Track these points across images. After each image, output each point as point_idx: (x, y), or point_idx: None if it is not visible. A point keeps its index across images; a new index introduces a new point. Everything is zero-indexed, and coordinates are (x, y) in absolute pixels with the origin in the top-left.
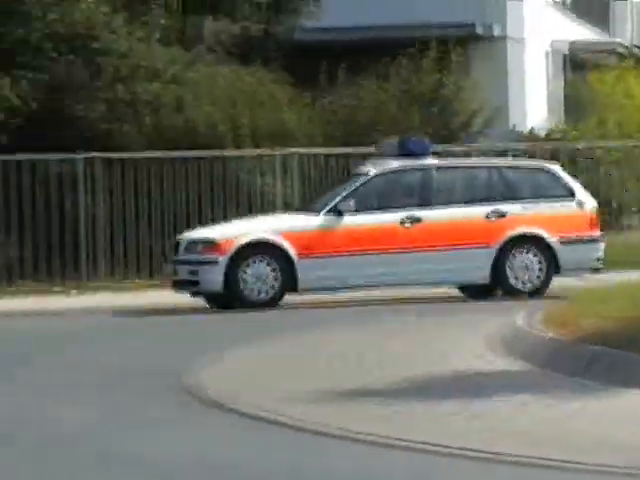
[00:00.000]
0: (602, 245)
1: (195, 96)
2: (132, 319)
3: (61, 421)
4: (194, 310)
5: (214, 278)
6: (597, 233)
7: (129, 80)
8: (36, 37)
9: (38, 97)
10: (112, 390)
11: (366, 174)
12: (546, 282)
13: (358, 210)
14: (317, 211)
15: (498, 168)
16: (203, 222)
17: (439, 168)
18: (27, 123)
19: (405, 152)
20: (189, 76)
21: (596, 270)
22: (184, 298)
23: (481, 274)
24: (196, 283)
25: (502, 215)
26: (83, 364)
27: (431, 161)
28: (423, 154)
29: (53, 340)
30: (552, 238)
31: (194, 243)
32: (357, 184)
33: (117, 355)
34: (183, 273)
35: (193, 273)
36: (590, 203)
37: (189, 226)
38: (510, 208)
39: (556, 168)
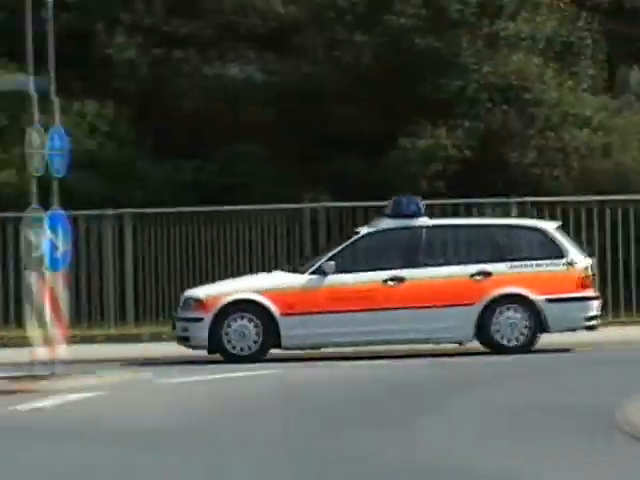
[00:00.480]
0: (595, 304)
1: (623, 142)
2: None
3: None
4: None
5: (201, 335)
6: (588, 292)
7: (559, 127)
8: (472, 88)
9: (473, 145)
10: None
11: (358, 234)
12: (532, 340)
13: (342, 270)
14: (303, 271)
15: (488, 227)
16: None
17: (428, 228)
18: (462, 170)
19: (398, 212)
20: (616, 123)
21: (590, 328)
22: None
23: (465, 332)
24: (188, 339)
25: (488, 274)
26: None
27: (421, 221)
28: (416, 214)
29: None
30: (537, 297)
31: (187, 300)
32: (345, 244)
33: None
34: (179, 329)
35: (185, 329)
36: (582, 263)
37: None
38: (496, 268)
39: (548, 227)
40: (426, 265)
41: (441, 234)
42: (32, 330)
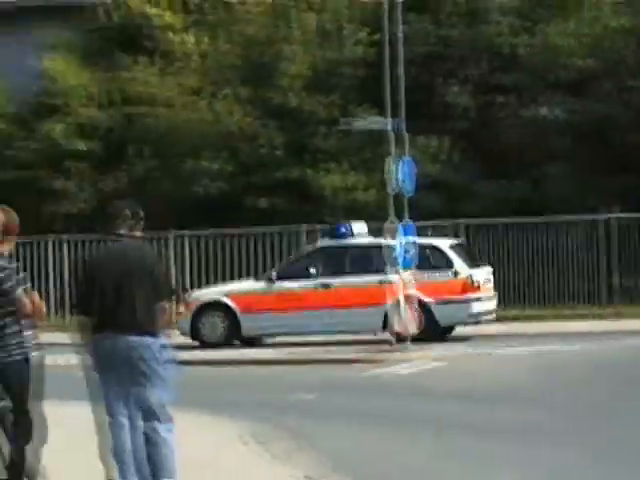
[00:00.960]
0: (476, 305)
1: None
2: None
3: None
4: None
5: (186, 327)
6: (470, 295)
7: None
8: None
9: None
10: None
11: (304, 250)
12: (425, 331)
13: (286, 278)
14: (261, 279)
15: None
16: None
17: (350, 247)
18: None
19: (335, 234)
20: None
21: (475, 323)
22: None
23: (375, 325)
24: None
25: (391, 282)
26: None
27: (348, 241)
28: (347, 235)
29: None
30: (428, 299)
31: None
32: (293, 258)
33: None
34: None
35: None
36: (465, 273)
37: None
38: (397, 277)
39: (442, 244)
40: (348, 274)
41: (362, 251)
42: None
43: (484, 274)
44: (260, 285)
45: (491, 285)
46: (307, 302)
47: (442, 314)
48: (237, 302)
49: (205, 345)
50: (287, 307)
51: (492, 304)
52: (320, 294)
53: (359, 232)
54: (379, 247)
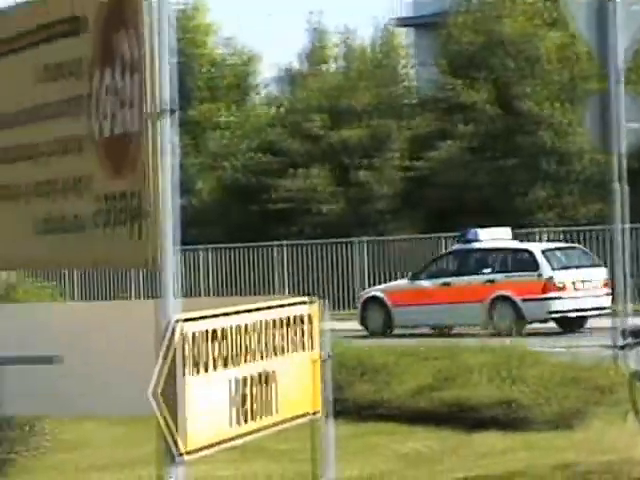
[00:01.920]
0: (556, 303)
1: None
2: None
3: None
4: None
5: (357, 317)
6: (551, 294)
7: None
8: None
9: None
10: None
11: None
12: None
13: (428, 277)
14: (409, 277)
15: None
16: None
17: (474, 250)
18: None
19: (465, 239)
20: None
21: (555, 320)
22: None
23: (478, 319)
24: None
25: (492, 281)
26: None
27: (473, 245)
28: (473, 240)
29: None
30: (517, 297)
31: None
32: (433, 260)
33: None
34: None
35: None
36: (547, 274)
37: None
38: (498, 276)
39: (534, 248)
40: (467, 274)
41: (486, 254)
42: None
43: (580, 275)
44: (404, 283)
45: (594, 285)
46: (435, 298)
47: (527, 311)
48: (389, 297)
49: (371, 334)
50: (420, 302)
51: (590, 302)
52: (442, 291)
53: (489, 237)
54: (498, 250)
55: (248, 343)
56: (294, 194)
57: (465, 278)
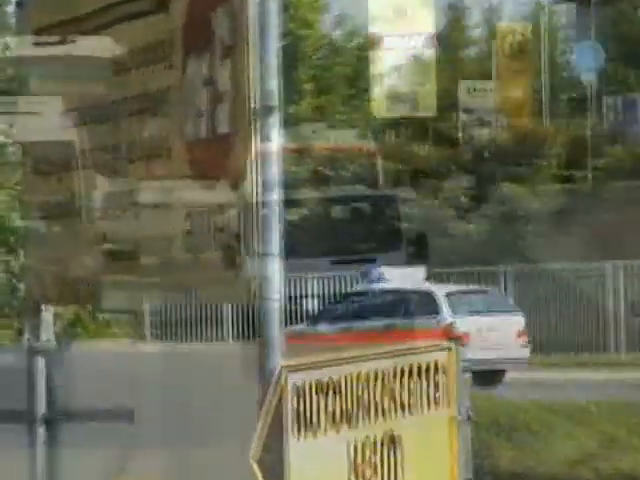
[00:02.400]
0: None
1: None
2: None
3: None
4: None
5: None
6: None
7: None
8: None
9: None
10: None
11: None
12: None
13: (329, 320)
14: None
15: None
16: None
17: (380, 292)
18: None
19: (367, 279)
20: None
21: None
22: None
23: None
24: None
25: (392, 326)
26: None
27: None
28: (379, 280)
29: None
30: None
31: None
32: (338, 300)
33: None
34: None
35: None
36: (448, 320)
37: None
38: (399, 322)
39: (437, 291)
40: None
41: (389, 297)
42: None
43: (489, 322)
44: (302, 327)
45: (506, 333)
46: (334, 344)
47: None
48: (285, 342)
49: None
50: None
51: (497, 353)
52: (342, 337)
53: (398, 276)
54: (400, 292)
55: (369, 397)
56: None
57: (366, 323)
